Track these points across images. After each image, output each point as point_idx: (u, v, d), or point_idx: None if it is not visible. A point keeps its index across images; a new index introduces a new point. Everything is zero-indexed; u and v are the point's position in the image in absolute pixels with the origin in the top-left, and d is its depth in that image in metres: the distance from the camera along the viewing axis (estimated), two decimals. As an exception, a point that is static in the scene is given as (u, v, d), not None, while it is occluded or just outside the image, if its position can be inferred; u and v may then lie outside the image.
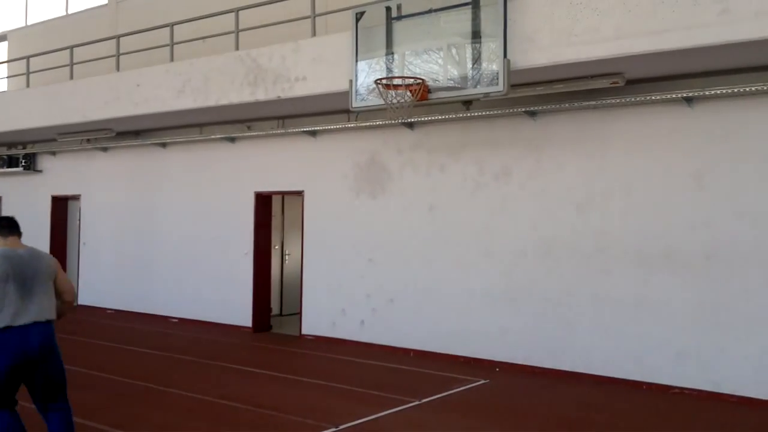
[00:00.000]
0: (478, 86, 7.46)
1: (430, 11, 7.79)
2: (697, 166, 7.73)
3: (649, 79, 7.84)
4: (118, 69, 11.96)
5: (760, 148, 7.38)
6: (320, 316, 10.83)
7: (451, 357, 9.36)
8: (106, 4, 15.49)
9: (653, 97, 7.80)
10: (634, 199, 8.11)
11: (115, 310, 13.79)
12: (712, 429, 6.72)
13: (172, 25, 11.19)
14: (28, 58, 13.76)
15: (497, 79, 7.28)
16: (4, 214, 16.11)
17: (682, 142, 7.85)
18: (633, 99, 7.92)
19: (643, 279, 8.01)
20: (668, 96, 7.69)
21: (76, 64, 12.82)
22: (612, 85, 7.71)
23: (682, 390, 7.71)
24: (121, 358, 9.62)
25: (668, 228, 7.87)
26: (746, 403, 7.30)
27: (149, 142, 13.03)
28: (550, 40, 7.14)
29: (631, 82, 7.78)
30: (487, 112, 8.98)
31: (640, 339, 8.01)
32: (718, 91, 7.39)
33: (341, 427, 6.40)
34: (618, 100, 8.01)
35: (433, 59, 7.79)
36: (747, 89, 7.24)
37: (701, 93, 7.50)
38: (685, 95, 7.60)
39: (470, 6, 7.49)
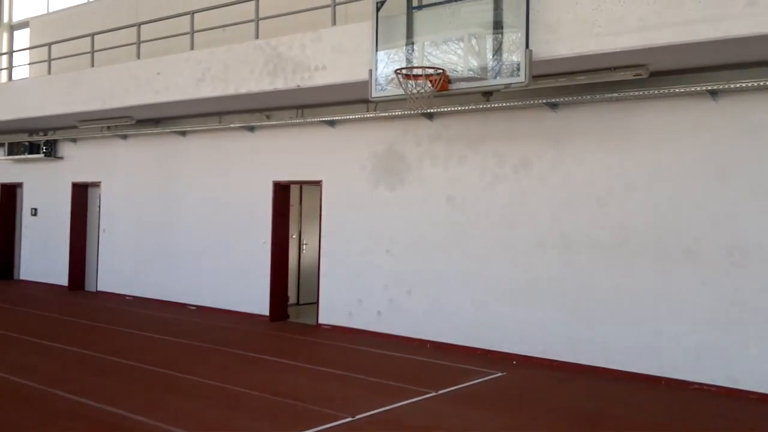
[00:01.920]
0: (499, 77, 7.40)
1: (451, 1, 7.73)
2: (721, 161, 7.63)
3: (673, 71, 7.73)
4: (138, 57, 12.00)
5: (785, 143, 7.26)
6: (337, 306, 10.85)
7: (468, 349, 9.33)
8: (127, -8, 15.53)
9: (677, 90, 7.70)
10: (656, 193, 8.02)
11: (134, 296, 13.90)
12: (731, 425, 6.65)
13: (192, 13, 11.20)
14: (49, 45, 13.85)
15: (518, 69, 7.21)
16: (25, 200, 16.31)
17: (706, 136, 7.74)
18: (656, 91, 7.82)
19: (663, 274, 7.93)
20: (692, 89, 7.58)
21: (97, 51, 12.88)
22: (635, 77, 7.61)
23: (701, 386, 7.64)
24: (139, 345, 9.70)
25: (690, 223, 7.79)
26: (765, 400, 7.22)
27: (169, 130, 13.08)
28: (572, 30, 7.05)
29: (654, 74, 7.68)
30: (508, 104, 8.91)
31: (660, 334, 7.94)
32: (744, 85, 7.28)
33: (358, 417, 6.42)
34: (641, 93, 7.92)
35: (454, 49, 7.73)
36: (773, 82, 7.13)
37: (726, 86, 7.39)
38: (709, 88, 7.49)
39: (492, -4, 7.42)
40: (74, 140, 15.22)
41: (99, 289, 14.77)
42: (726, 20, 6.22)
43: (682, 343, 7.79)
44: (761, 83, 7.18)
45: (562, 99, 8.50)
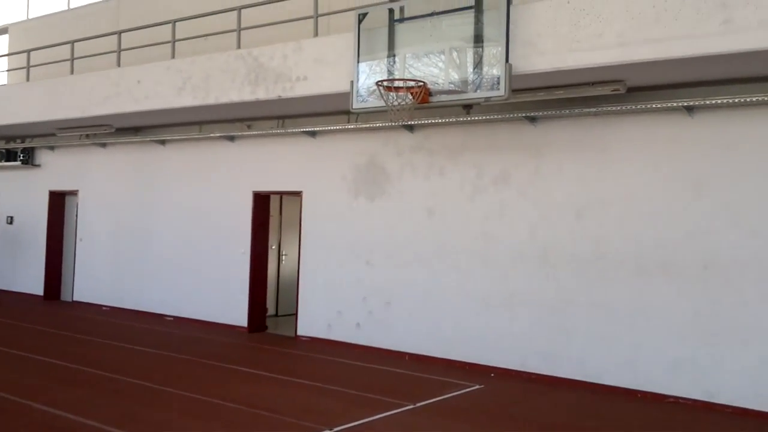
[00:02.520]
0: (479, 90, 7.45)
1: (432, 14, 7.77)
2: (697, 176, 7.72)
3: (651, 87, 7.83)
4: (119, 65, 11.93)
5: (759, 159, 7.38)
6: (316, 318, 10.81)
7: (447, 361, 9.33)
8: (109, 0, 15.45)
9: (654, 105, 7.79)
10: (633, 206, 8.10)
11: (111, 306, 13.76)
12: (706, 439, 6.71)
13: (174, 22, 11.16)
14: (28, 51, 13.74)
15: (498, 83, 7.26)
16: (1, 207, 16.11)
17: (682, 151, 7.84)
18: (634, 107, 7.91)
19: (640, 287, 8.00)
20: (669, 104, 7.68)
21: (76, 59, 12.79)
22: (613, 92, 7.69)
23: (677, 399, 7.70)
24: (115, 356, 9.59)
25: (666, 236, 7.87)
26: (741, 414, 7.29)
27: (148, 139, 13.01)
28: (552, 45, 7.12)
29: (632, 90, 7.77)
30: (488, 117, 8.97)
31: (636, 347, 7.99)
32: (719, 101, 7.39)
33: (335, 429, 6.38)
34: (619, 108, 8.01)
35: (435, 62, 7.77)
36: (748, 99, 7.24)
37: (702, 102, 7.49)
38: (685, 104, 7.59)
39: (473, 10, 7.47)
40: (52, 148, 15.08)
41: (75, 299, 14.60)
42: (702, 38, 6.32)
43: (659, 356, 7.85)
44: (736, 100, 7.30)
45: (541, 113, 8.57)
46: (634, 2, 6.67)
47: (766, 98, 7.14)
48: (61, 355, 9.34)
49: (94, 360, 9.11)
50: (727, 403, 7.41)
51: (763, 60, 6.48)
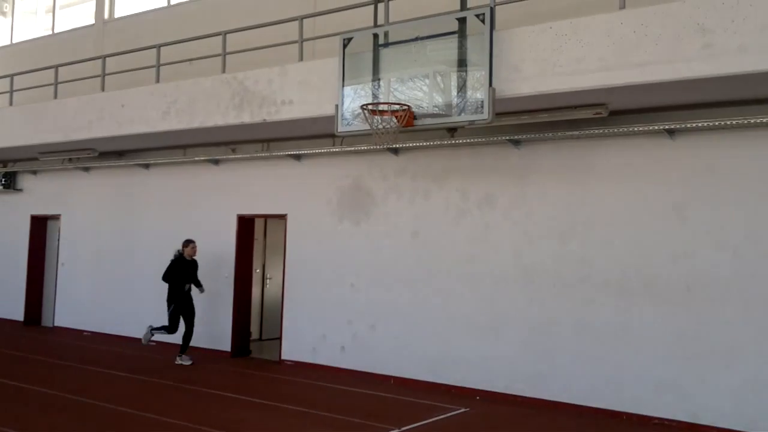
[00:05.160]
0: (463, 114, 7.50)
1: (416, 39, 7.85)
2: (679, 198, 7.80)
3: (632, 110, 7.93)
4: (103, 89, 11.91)
5: (740, 181, 7.47)
6: (300, 342, 10.73)
7: (432, 385, 9.28)
8: (93, 24, 15.48)
9: (636, 129, 7.89)
10: (616, 229, 8.16)
11: (92, 332, 13.57)
12: (692, 461, 6.69)
13: (158, 47, 11.18)
14: (12, 76, 13.68)
15: (482, 107, 7.32)
16: (-18, 232, 15.88)
17: (663, 173, 7.93)
18: (616, 130, 8.01)
19: (624, 309, 8.03)
20: (651, 127, 7.78)
21: (60, 83, 12.75)
22: (595, 116, 7.79)
23: (661, 421, 7.70)
24: (96, 382, 9.45)
25: (649, 258, 7.92)
26: (726, 436, 7.30)
27: (132, 163, 12.96)
28: (534, 69, 7.21)
29: (614, 113, 7.87)
30: (472, 140, 9.03)
31: (621, 369, 8.00)
32: (700, 124, 7.50)
33: (320, 454, 6.31)
34: (601, 131, 8.10)
35: (419, 86, 7.84)
36: (728, 123, 7.35)
37: (683, 125, 7.60)
38: (667, 127, 7.69)
39: (456, 35, 7.55)
40: (34, 172, 14.98)
41: (56, 324, 14.40)
42: (682, 62, 6.42)
43: (643, 377, 7.85)
44: (716, 123, 7.41)
45: (524, 136, 8.64)
46: (615, 27, 6.78)
47: (745, 121, 7.26)
48: (39, 381, 9.19)
49: (72, 386, 8.97)
50: (710, 425, 7.42)
51: (742, 84, 6.59)
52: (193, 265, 10.95)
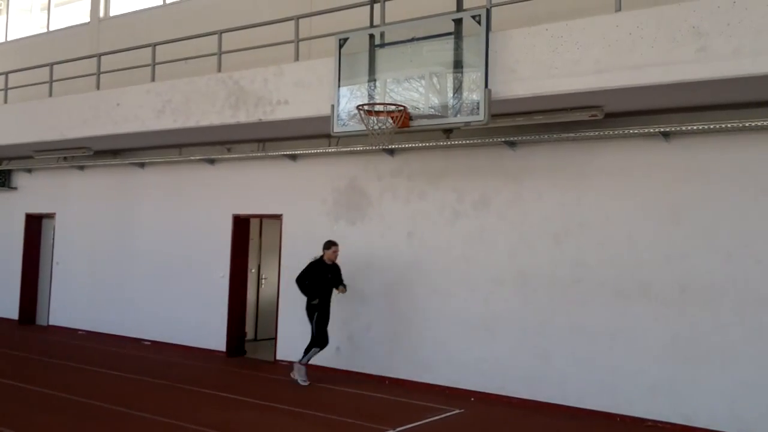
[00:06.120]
0: (459, 115, 7.50)
1: (412, 40, 7.85)
2: (673, 200, 7.82)
3: (628, 112, 7.95)
4: (98, 87, 11.88)
5: (734, 184, 7.49)
6: (296, 342, 10.68)
7: (427, 386, 9.29)
8: (88, 22, 15.43)
9: (631, 131, 7.90)
10: (611, 231, 8.17)
11: (87, 331, 13.55)
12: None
13: (154, 45, 11.16)
14: (6, 74, 13.64)
15: (478, 108, 7.32)
16: (-24, 230, 15.84)
17: (658, 176, 7.94)
18: (611, 132, 8.02)
19: (618, 311, 8.04)
20: (646, 130, 7.79)
21: (55, 81, 12.71)
22: (591, 118, 7.80)
23: (655, 423, 7.71)
24: (90, 381, 9.43)
25: (644, 261, 7.93)
26: (719, 438, 7.32)
27: (127, 162, 12.93)
28: (530, 71, 7.21)
29: (609, 116, 7.88)
30: (468, 141, 9.03)
31: (615, 371, 8.01)
32: (695, 127, 7.51)
33: (314, 455, 6.31)
34: (596, 133, 8.11)
35: (415, 87, 7.83)
36: (723, 126, 7.36)
37: (678, 128, 7.61)
38: (662, 130, 7.70)
39: (453, 36, 7.55)
40: (29, 170, 14.94)
41: (50, 323, 14.37)
42: (677, 65, 6.43)
43: (637, 379, 7.87)
44: (711, 126, 7.42)
45: (520, 138, 8.65)
46: (610, 30, 6.79)
47: (740, 124, 7.28)
48: (34, 380, 9.17)
49: (66, 385, 8.95)
50: (704, 427, 7.43)
51: (737, 87, 6.61)
52: (334, 270, 9.52)
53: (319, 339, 9.35)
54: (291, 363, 9.71)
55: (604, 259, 8.18)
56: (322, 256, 9.46)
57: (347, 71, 8.27)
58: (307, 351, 9.43)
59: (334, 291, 9.52)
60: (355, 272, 10.11)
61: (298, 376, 9.41)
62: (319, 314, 9.34)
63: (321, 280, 9.36)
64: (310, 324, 9.41)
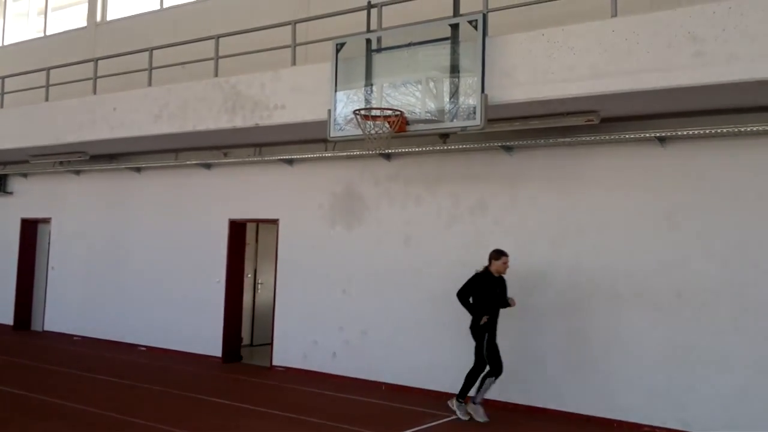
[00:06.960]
0: (456, 120, 7.51)
1: (409, 45, 7.86)
2: (669, 205, 7.82)
3: (624, 117, 7.96)
4: (95, 92, 11.87)
5: (730, 189, 7.50)
6: (292, 347, 10.70)
7: (424, 391, 9.26)
8: (85, 27, 15.42)
9: (627, 136, 7.91)
10: (607, 236, 8.17)
11: (83, 336, 13.50)
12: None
13: (151, 50, 11.15)
14: (3, 78, 13.62)
15: (474, 113, 7.33)
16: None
17: (654, 181, 7.95)
18: (607, 137, 8.03)
19: (614, 316, 8.04)
20: (641, 135, 7.80)
21: (52, 85, 12.70)
22: (587, 123, 7.80)
23: (653, 428, 7.70)
24: (86, 387, 9.39)
25: (640, 265, 7.93)
26: (716, 443, 7.31)
27: (123, 167, 12.91)
28: (527, 76, 7.22)
29: (605, 121, 7.89)
30: (464, 146, 9.04)
31: (612, 376, 8.00)
32: (691, 132, 7.52)
33: (310, 460, 6.29)
34: (592, 138, 8.11)
35: (412, 92, 7.84)
36: (719, 131, 7.38)
37: (674, 133, 7.62)
38: (658, 135, 7.71)
39: (449, 41, 7.56)
40: (25, 175, 14.90)
41: (46, 328, 14.32)
42: (673, 70, 6.45)
43: (634, 385, 7.86)
44: (707, 131, 7.43)
45: (516, 142, 8.65)
46: (606, 35, 6.80)
47: (735, 130, 7.29)
48: (29, 386, 9.13)
49: (62, 391, 8.91)
50: (702, 432, 7.44)
51: (733, 92, 6.62)
52: (501, 283, 8.12)
53: (494, 366, 7.97)
54: (455, 398, 8.21)
55: (600, 264, 8.18)
56: (487, 268, 8.09)
57: (344, 76, 8.28)
58: (470, 380, 8.05)
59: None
60: (352, 277, 10.10)
61: (475, 414, 8.02)
62: (489, 335, 7.99)
63: (489, 296, 8.03)
64: (479, 348, 8.05)
